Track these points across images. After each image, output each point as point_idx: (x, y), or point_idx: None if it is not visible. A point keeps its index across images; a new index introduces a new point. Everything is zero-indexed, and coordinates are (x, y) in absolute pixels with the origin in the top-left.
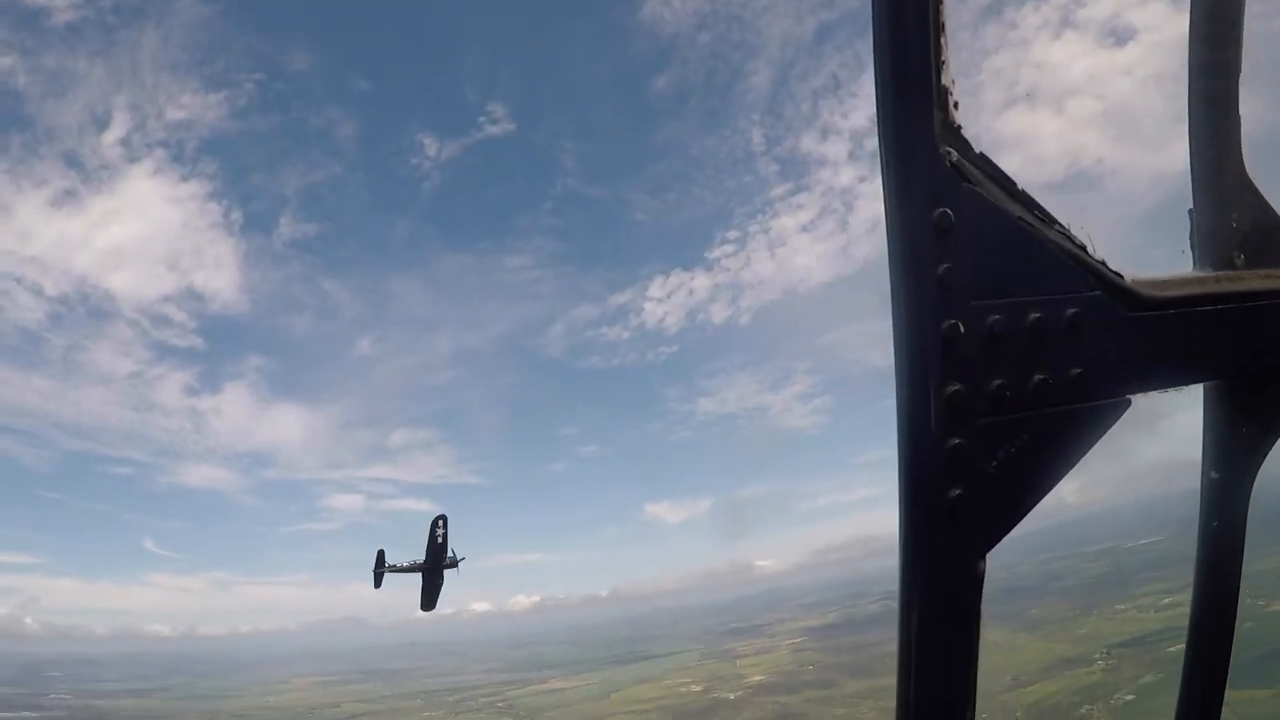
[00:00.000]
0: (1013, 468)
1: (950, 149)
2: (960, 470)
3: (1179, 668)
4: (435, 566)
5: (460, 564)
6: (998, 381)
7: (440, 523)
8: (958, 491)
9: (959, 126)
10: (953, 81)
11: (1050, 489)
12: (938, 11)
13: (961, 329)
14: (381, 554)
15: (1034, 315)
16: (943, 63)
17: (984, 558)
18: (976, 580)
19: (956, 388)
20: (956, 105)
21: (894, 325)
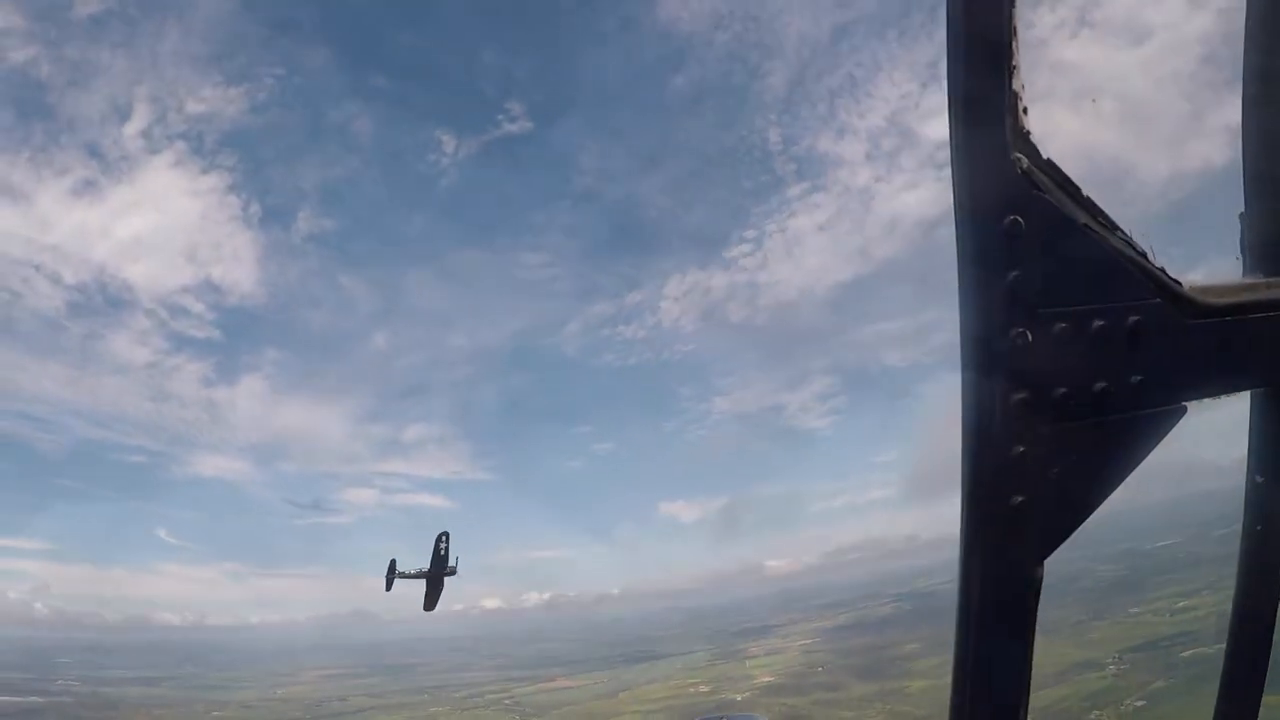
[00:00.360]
0: (1073, 474)
1: (1021, 155)
2: (1024, 477)
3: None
4: (437, 574)
5: (458, 573)
6: (1062, 389)
7: (443, 538)
8: (1020, 498)
9: (1029, 132)
10: (1023, 86)
11: (1108, 495)
12: (1011, 15)
13: (1029, 336)
14: (393, 562)
15: (1098, 323)
16: (1014, 67)
17: (1042, 563)
18: (1035, 585)
19: (1023, 395)
20: (1026, 110)
21: (962, 332)
